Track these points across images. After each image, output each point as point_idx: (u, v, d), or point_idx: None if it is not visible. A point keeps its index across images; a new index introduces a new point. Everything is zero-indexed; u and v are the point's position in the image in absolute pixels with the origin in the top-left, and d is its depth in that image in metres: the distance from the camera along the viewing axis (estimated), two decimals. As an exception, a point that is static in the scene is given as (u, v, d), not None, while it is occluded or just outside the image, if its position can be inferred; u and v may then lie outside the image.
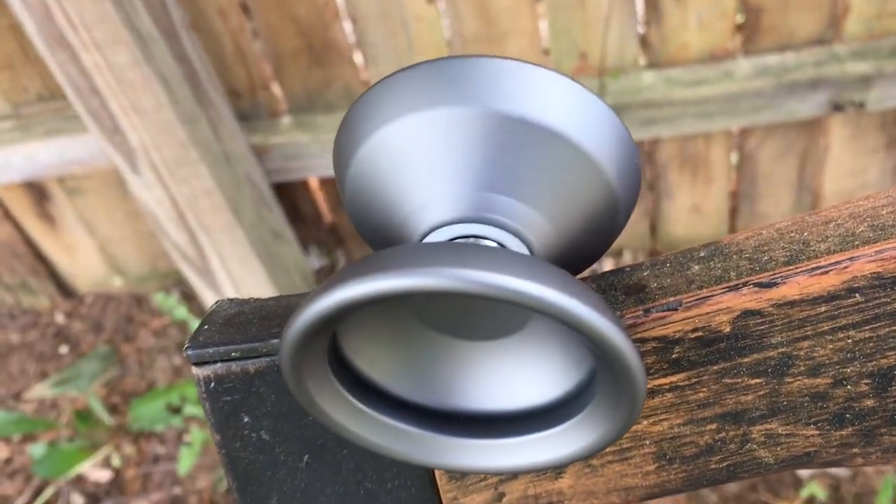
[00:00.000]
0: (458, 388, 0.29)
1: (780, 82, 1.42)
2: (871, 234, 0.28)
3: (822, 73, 1.41)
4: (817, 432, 0.29)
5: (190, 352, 0.31)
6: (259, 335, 0.31)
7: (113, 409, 1.72)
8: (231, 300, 0.33)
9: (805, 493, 1.49)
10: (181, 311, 1.70)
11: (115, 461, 1.66)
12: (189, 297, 1.81)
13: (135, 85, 1.24)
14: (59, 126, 1.53)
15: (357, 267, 0.23)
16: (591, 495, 0.31)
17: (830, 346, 0.28)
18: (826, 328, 0.28)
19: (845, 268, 0.27)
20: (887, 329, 0.27)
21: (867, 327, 0.27)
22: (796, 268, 0.27)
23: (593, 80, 1.45)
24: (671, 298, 0.28)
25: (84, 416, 1.64)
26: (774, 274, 0.28)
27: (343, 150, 0.29)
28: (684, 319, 0.28)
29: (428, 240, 0.28)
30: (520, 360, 0.28)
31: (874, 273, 0.27)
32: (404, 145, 0.28)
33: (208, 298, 1.58)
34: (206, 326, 0.32)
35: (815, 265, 0.27)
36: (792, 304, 0.27)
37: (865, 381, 0.28)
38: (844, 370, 0.28)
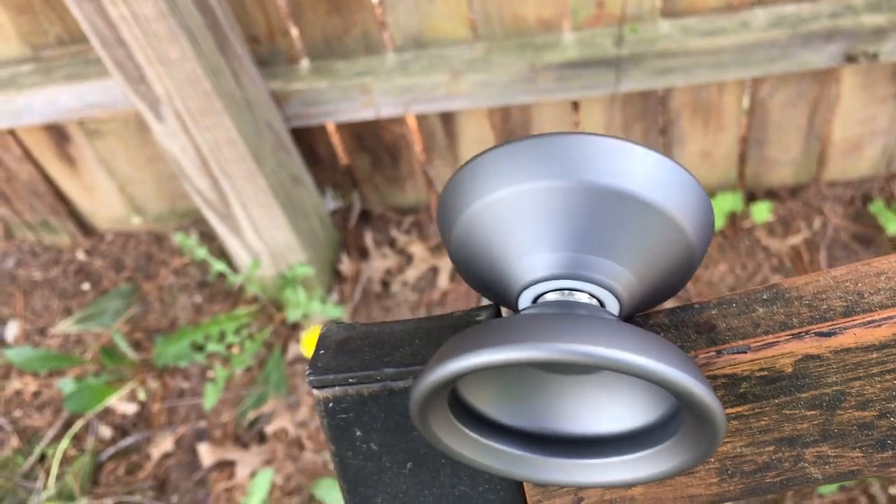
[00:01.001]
0: (552, 415, 0.33)
1: (796, 32, 1.43)
2: (918, 290, 0.32)
3: (838, 24, 1.42)
4: (861, 455, 0.34)
5: (311, 377, 0.35)
6: (372, 363, 0.35)
7: (136, 345, 1.78)
8: (338, 324, 0.37)
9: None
10: (201, 252, 1.74)
11: (141, 395, 1.73)
12: (208, 237, 1.85)
13: (160, 36, 1.26)
14: (81, 70, 1.54)
15: (475, 336, 0.27)
16: (659, 502, 0.36)
17: (879, 385, 0.32)
18: (876, 371, 0.32)
19: (894, 322, 0.31)
20: (929, 373, 0.32)
21: (912, 371, 0.32)
22: (853, 320, 0.31)
23: (611, 28, 1.46)
24: (741, 342, 0.32)
25: (110, 352, 1.70)
26: (834, 324, 0.32)
27: (450, 208, 0.33)
28: (752, 361, 0.32)
29: (529, 292, 0.32)
30: (610, 392, 0.33)
31: (921, 327, 0.31)
32: (509, 211, 0.31)
33: (231, 243, 1.62)
34: (321, 351, 0.36)
35: (869, 318, 0.31)
36: (848, 350, 0.32)
37: (906, 414, 0.33)
38: (889, 405, 0.33)
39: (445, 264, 1.73)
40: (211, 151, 1.45)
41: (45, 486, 1.66)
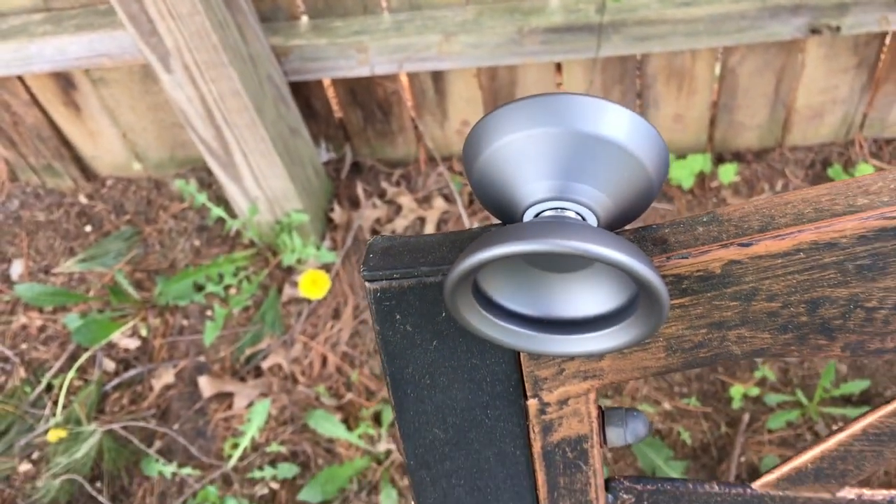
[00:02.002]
0: (545, 303, 0.45)
1: (765, 5, 1.54)
2: (813, 215, 0.44)
3: (803, -1, 1.53)
4: (769, 336, 0.46)
5: (365, 273, 0.46)
6: (410, 263, 0.46)
7: (138, 285, 1.88)
8: (382, 237, 0.49)
9: (758, 374, 1.70)
10: (201, 197, 1.84)
11: (143, 331, 1.84)
12: (206, 184, 1.95)
13: (174, -8, 1.35)
14: (91, 21, 1.62)
15: (492, 237, 0.39)
16: (621, 371, 0.48)
17: (782, 283, 0.44)
18: (780, 272, 0.44)
19: (795, 236, 0.43)
20: (818, 275, 0.44)
21: (806, 273, 0.44)
22: (765, 235, 0.43)
23: (594, -3, 1.56)
24: (684, 251, 0.44)
25: (115, 289, 1.80)
26: (751, 238, 0.44)
27: (473, 148, 0.44)
28: (691, 264, 0.44)
29: (532, 210, 0.44)
30: (588, 286, 0.45)
31: (812, 241, 0.43)
32: (517, 151, 0.43)
33: (231, 190, 1.72)
34: (371, 255, 0.47)
35: (777, 234, 0.43)
36: (760, 257, 0.44)
37: (802, 305, 0.45)
38: (790, 299, 0.45)
39: (432, 215, 1.84)
40: (216, 102, 1.55)
41: (52, 414, 1.77)
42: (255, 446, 1.69)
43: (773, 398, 1.64)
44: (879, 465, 0.53)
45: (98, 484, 1.71)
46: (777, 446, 1.59)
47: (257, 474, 1.65)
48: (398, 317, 0.48)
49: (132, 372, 1.79)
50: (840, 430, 0.52)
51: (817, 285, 0.44)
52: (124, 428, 1.69)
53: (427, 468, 0.53)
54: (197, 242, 1.92)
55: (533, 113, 0.43)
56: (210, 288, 1.80)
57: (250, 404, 1.72)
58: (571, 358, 0.49)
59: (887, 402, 0.51)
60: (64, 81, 1.80)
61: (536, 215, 0.45)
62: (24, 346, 1.88)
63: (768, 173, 1.85)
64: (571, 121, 0.42)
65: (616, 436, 0.52)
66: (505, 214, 0.46)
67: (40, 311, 1.90)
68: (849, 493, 0.54)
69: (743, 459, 1.58)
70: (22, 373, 1.86)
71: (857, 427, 0.51)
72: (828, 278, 0.44)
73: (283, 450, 1.67)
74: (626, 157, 0.43)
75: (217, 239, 1.91)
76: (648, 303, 0.41)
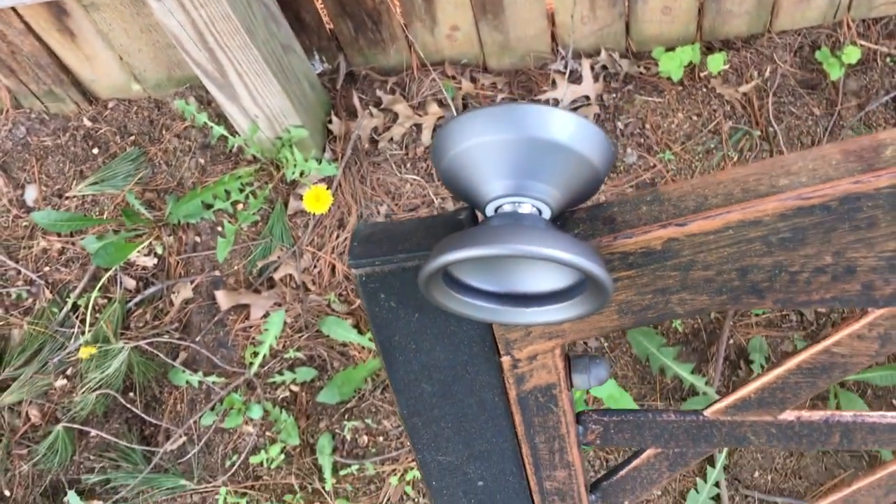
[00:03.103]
0: (511, 281, 0.52)
1: None
2: (741, 195, 0.50)
3: None
4: (707, 298, 0.53)
5: (351, 261, 0.53)
6: (390, 251, 0.53)
7: (149, 205, 1.95)
8: (365, 223, 0.55)
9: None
10: (202, 117, 1.88)
11: (159, 249, 1.92)
12: (205, 102, 1.98)
13: (156, -76, 1.35)
14: (75, -50, 1.62)
15: (457, 240, 0.45)
16: (581, 331, 0.55)
17: (715, 255, 0.51)
18: (713, 246, 0.50)
19: (724, 216, 0.49)
20: (745, 247, 0.50)
21: (735, 246, 0.50)
22: (697, 215, 0.49)
23: None
24: (629, 230, 0.51)
25: (128, 211, 1.87)
26: (686, 218, 0.50)
27: (441, 149, 0.50)
28: (635, 242, 0.51)
29: (493, 204, 0.50)
30: (545, 267, 0.51)
31: (739, 220, 0.49)
32: (479, 154, 0.48)
33: (230, 110, 1.76)
34: (355, 243, 0.54)
35: (708, 215, 0.49)
36: (695, 235, 0.50)
37: (734, 272, 0.51)
38: (722, 267, 0.51)
39: (428, 121, 1.88)
40: (207, 26, 1.57)
41: (81, 333, 1.87)
42: (274, 353, 1.79)
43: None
44: (814, 392, 0.60)
45: (131, 394, 1.84)
46: (764, 328, 1.68)
47: (278, 379, 1.76)
48: (382, 296, 0.54)
49: (152, 289, 1.89)
50: (776, 365, 0.59)
51: (745, 256, 0.51)
52: (150, 343, 1.80)
53: (419, 415, 0.61)
54: (202, 160, 1.97)
55: (492, 121, 0.48)
56: (218, 205, 1.87)
57: (266, 315, 1.82)
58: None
59: (816, 340, 0.58)
60: (56, 9, 1.82)
61: (497, 209, 0.51)
62: (46, 268, 1.97)
63: (757, 60, 1.87)
64: (525, 128, 0.48)
65: (581, 381, 0.59)
66: (471, 202, 0.52)
67: (59, 234, 1.98)
68: (789, 415, 0.62)
69: (731, 342, 1.68)
70: (48, 294, 1.95)
71: (791, 363, 0.59)
72: (754, 250, 0.50)
73: (301, 355, 1.78)
74: (572, 155, 0.49)
75: (221, 156, 1.96)
76: (595, 286, 0.47)
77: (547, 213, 0.50)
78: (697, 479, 1.65)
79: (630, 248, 0.51)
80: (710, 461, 1.66)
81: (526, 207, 0.50)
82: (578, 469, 0.64)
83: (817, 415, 0.63)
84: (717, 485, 1.63)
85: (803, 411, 0.63)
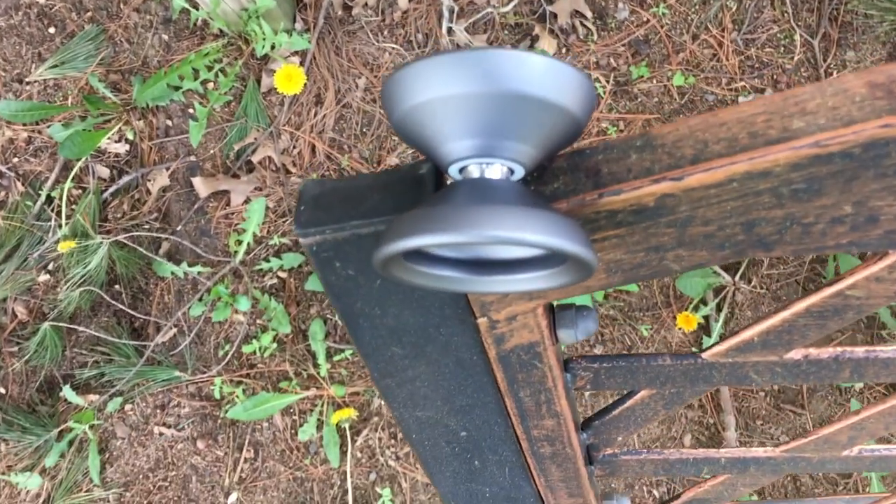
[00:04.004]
0: (482, 246, 0.45)
1: None
2: (748, 141, 0.42)
3: None
4: (707, 253, 0.46)
5: (298, 230, 0.46)
6: (342, 216, 0.46)
7: (114, 87, 1.84)
8: (312, 182, 0.48)
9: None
10: (160, -10, 1.74)
11: (129, 135, 1.83)
12: (163, -29, 1.84)
13: None
14: None
15: (413, 222, 0.38)
16: (567, 292, 0.49)
17: (717, 210, 0.44)
18: (714, 201, 0.43)
19: (727, 168, 0.42)
20: (752, 200, 0.43)
21: (740, 200, 0.43)
22: (697, 167, 0.42)
23: None
24: (616, 186, 0.43)
25: (91, 98, 1.77)
26: (683, 171, 0.42)
27: (395, 99, 0.42)
28: (624, 200, 0.43)
29: (456, 165, 0.42)
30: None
31: (745, 171, 0.42)
32: (441, 108, 0.40)
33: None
34: (302, 207, 0.47)
35: (709, 166, 0.42)
36: (693, 189, 0.43)
37: (738, 227, 0.44)
38: (725, 223, 0.44)
39: (404, -17, 1.75)
40: None
41: (59, 226, 1.81)
42: (259, 240, 1.74)
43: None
44: (824, 334, 0.55)
45: (117, 287, 1.80)
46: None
47: (264, 266, 1.71)
48: (338, 264, 0.48)
49: (127, 178, 1.81)
50: (783, 308, 0.53)
51: (752, 209, 0.44)
52: (130, 235, 1.74)
53: (391, 377, 0.56)
54: (165, 37, 1.84)
55: (455, 72, 0.40)
56: (187, 85, 1.76)
57: (247, 200, 1.75)
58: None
59: (829, 284, 0.52)
60: None
61: (461, 170, 0.43)
62: (15, 160, 1.89)
63: None
64: (494, 79, 0.40)
65: (567, 335, 0.53)
66: (430, 159, 0.45)
67: (24, 124, 1.88)
68: (795, 354, 0.57)
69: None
70: (20, 187, 1.88)
71: (800, 306, 0.53)
72: (762, 203, 0.43)
73: (286, 241, 1.73)
74: (549, 107, 0.41)
75: (185, 31, 1.83)
76: (577, 262, 0.41)
77: (520, 173, 0.43)
78: (693, 349, 1.63)
79: (618, 206, 0.44)
80: (706, 331, 1.64)
81: (495, 170, 0.42)
82: (567, 416, 0.60)
83: (826, 352, 0.57)
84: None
85: (811, 349, 0.57)
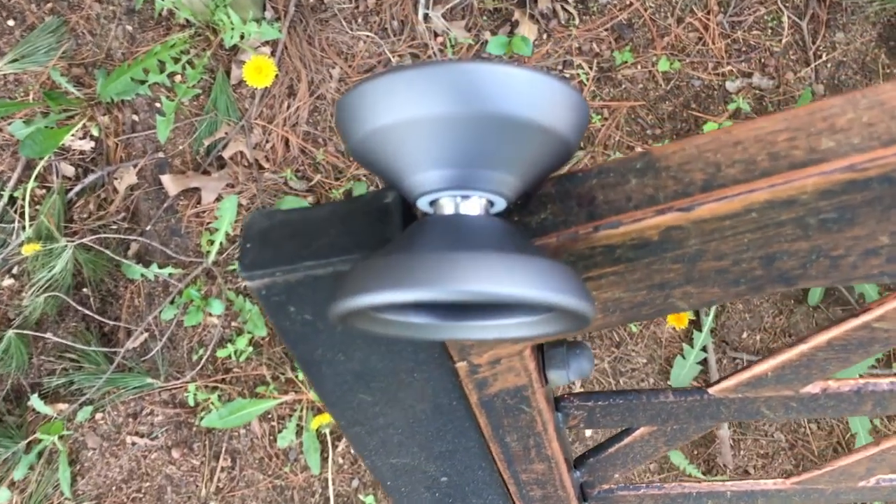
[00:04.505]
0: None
1: None
2: (768, 165, 0.36)
3: None
4: (719, 290, 0.40)
5: (243, 273, 0.39)
6: (294, 256, 0.39)
7: (77, 81, 1.76)
8: (259, 213, 0.41)
9: (732, 106, 1.63)
10: (122, -22, 1.66)
11: (94, 131, 1.74)
12: (125, -41, 1.75)
13: None
14: None
15: (380, 270, 0.32)
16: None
17: (732, 243, 0.37)
18: (729, 234, 0.37)
19: (745, 196, 0.35)
20: (773, 232, 0.37)
21: (759, 232, 0.37)
22: (709, 195, 0.36)
23: None
24: (614, 217, 0.37)
25: (51, 93, 1.68)
26: (693, 200, 0.36)
27: (349, 122, 0.35)
28: (624, 233, 0.37)
29: (427, 198, 0.36)
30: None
31: (766, 200, 0.35)
32: (407, 135, 0.34)
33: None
34: (248, 245, 0.40)
35: (723, 195, 0.36)
36: (705, 221, 0.36)
37: (755, 261, 0.38)
38: (741, 257, 0.38)
39: (378, -32, 1.67)
40: None
41: (22, 228, 1.73)
42: (232, 239, 1.67)
43: (753, 130, 1.58)
44: (845, 367, 0.49)
45: (85, 290, 1.72)
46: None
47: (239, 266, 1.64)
48: (292, 309, 0.41)
49: (93, 176, 1.73)
50: (801, 340, 0.47)
51: (772, 242, 0.37)
52: (97, 237, 1.66)
53: (360, 425, 0.49)
54: (129, 28, 1.76)
55: (424, 89, 0.33)
56: (153, 78, 1.68)
57: (219, 198, 1.68)
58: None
59: (853, 314, 0.46)
60: None
61: (432, 202, 0.37)
62: (-26, 159, 1.80)
63: None
64: (472, 99, 0.33)
65: (558, 377, 0.47)
66: (395, 189, 0.38)
67: (-18, 121, 1.80)
68: (813, 388, 0.51)
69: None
70: (-19, 187, 1.80)
71: (820, 339, 0.47)
72: (785, 234, 0.37)
73: (260, 240, 1.66)
74: (534, 129, 0.34)
75: (150, 22, 1.75)
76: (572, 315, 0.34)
77: (501, 205, 0.37)
78: (684, 344, 1.58)
79: (617, 240, 0.37)
80: (697, 326, 1.58)
81: (472, 204, 0.36)
82: (559, 459, 0.54)
83: (847, 385, 0.51)
84: (703, 349, 1.56)
85: (830, 381, 0.52)
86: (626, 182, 0.38)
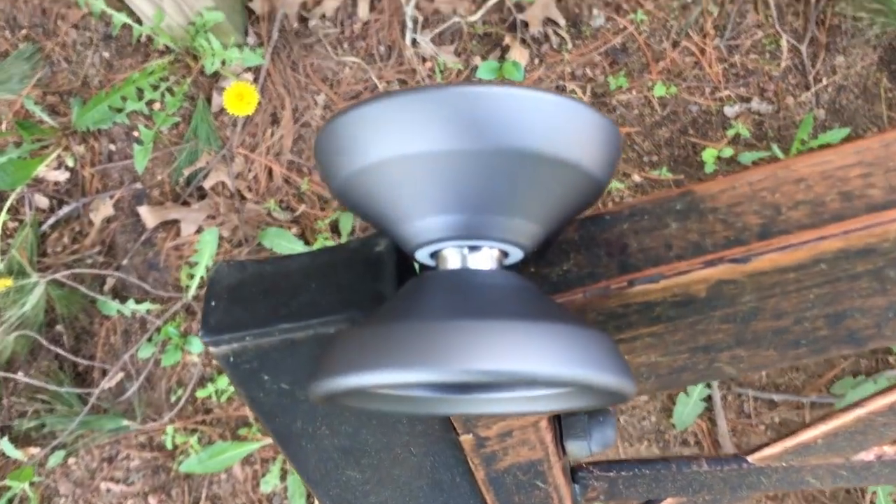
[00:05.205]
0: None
1: None
2: (838, 205, 0.29)
3: None
4: (776, 353, 0.33)
5: (206, 339, 0.33)
6: (268, 318, 0.33)
7: (52, 110, 1.69)
8: (228, 265, 0.34)
9: (731, 132, 1.58)
10: (99, 3, 1.60)
11: (69, 161, 1.68)
12: (102, -16, 1.69)
13: None
14: None
15: (372, 347, 0.25)
16: (578, 401, 0.36)
17: (795, 300, 0.31)
18: (792, 289, 0.31)
19: (812, 245, 0.29)
20: (846, 286, 0.30)
21: (828, 286, 0.30)
22: (769, 244, 0.30)
23: None
24: (653, 270, 0.31)
25: (24, 123, 1.62)
26: (749, 249, 0.30)
27: (333, 158, 0.29)
28: (664, 289, 0.31)
29: (428, 248, 0.29)
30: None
31: (839, 248, 0.29)
32: (405, 174, 0.27)
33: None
34: (213, 303, 0.33)
35: (786, 243, 0.29)
36: (764, 273, 0.30)
37: (821, 320, 0.32)
38: (804, 315, 0.32)
39: (365, -8, 1.61)
40: None
41: (-8, 263, 1.65)
42: (213, 273, 1.59)
43: (747, 157, 1.53)
44: (906, 432, 0.42)
45: (59, 327, 1.64)
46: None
47: (220, 302, 1.57)
48: (266, 377, 0.35)
49: (67, 208, 1.66)
50: (858, 405, 0.41)
51: (844, 297, 0.31)
52: (71, 272, 1.59)
53: (349, 503, 0.43)
54: (106, 54, 1.70)
55: (421, 119, 0.27)
56: (131, 106, 1.62)
57: (199, 230, 1.61)
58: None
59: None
60: None
61: (434, 254, 0.30)
62: (-56, 191, 1.73)
63: None
64: (479, 130, 0.27)
65: (579, 448, 0.41)
66: (388, 237, 0.32)
67: (-48, 152, 1.72)
68: (867, 455, 0.45)
69: (723, 229, 1.50)
70: (-50, 220, 1.72)
71: (880, 403, 0.40)
72: (859, 289, 0.31)
73: (243, 274, 1.58)
74: (558, 166, 0.28)
75: (128, 48, 1.69)
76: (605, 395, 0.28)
77: (517, 256, 0.30)
78: (688, 379, 1.51)
79: (656, 296, 0.31)
80: (701, 359, 1.52)
81: (483, 257, 0.29)
82: (576, 536, 0.47)
83: (905, 450, 0.45)
84: (707, 385, 1.50)
85: (885, 447, 0.45)
86: (665, 226, 0.31)
